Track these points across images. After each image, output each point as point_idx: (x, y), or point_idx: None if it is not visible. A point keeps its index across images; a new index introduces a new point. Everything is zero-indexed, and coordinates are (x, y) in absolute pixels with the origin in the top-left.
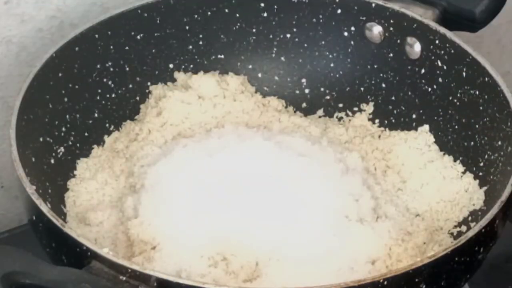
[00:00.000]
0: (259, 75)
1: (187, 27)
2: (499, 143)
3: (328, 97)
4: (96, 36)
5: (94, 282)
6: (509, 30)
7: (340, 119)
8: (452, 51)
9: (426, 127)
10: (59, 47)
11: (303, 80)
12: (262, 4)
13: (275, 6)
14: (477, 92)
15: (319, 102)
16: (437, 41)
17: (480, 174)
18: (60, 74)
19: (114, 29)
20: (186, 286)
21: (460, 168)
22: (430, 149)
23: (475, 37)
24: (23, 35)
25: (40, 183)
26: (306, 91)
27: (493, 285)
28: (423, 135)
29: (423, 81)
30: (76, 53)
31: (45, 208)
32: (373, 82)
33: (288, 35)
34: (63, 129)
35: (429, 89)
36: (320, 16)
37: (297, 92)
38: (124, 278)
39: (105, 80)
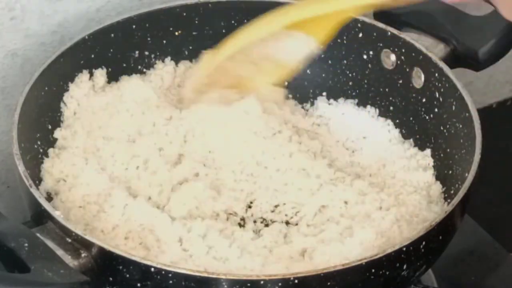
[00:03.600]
0: (285, 83)
1: (223, 31)
2: (466, 174)
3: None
4: (134, 26)
5: (32, 238)
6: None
7: None
8: (447, 85)
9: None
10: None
11: (324, 94)
12: None
13: None
14: (461, 126)
15: None
16: (436, 74)
17: (448, 200)
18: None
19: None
20: (123, 258)
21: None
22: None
23: None
24: (27, 48)
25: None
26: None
27: (457, 277)
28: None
29: (423, 109)
30: None
31: (22, 168)
32: (383, 104)
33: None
34: None
35: (427, 117)
36: (344, 38)
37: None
38: (70, 240)
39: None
